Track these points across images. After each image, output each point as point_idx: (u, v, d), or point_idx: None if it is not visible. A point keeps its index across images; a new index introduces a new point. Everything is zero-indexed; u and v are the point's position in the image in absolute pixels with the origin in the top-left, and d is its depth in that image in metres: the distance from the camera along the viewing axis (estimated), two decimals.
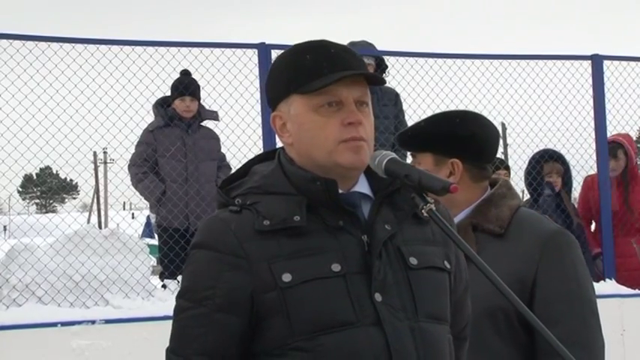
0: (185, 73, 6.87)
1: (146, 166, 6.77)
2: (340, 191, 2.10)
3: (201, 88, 6.92)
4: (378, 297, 2.04)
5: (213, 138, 6.98)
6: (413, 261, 2.11)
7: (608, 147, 7.35)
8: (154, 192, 6.72)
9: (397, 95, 7.23)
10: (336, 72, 2.08)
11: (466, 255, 2.10)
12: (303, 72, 2.10)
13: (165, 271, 6.61)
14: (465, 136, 2.77)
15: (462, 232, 2.67)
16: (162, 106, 6.88)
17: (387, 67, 7.09)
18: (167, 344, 2.13)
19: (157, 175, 6.79)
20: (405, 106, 7.26)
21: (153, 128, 6.81)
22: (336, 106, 2.09)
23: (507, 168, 7.47)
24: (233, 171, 2.26)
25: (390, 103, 7.09)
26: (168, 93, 6.92)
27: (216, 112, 6.92)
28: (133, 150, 6.80)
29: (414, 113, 7.11)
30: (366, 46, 6.96)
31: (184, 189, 6.74)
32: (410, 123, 7.21)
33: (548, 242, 2.76)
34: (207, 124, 7.07)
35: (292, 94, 2.12)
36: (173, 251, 6.52)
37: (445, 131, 2.77)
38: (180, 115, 6.86)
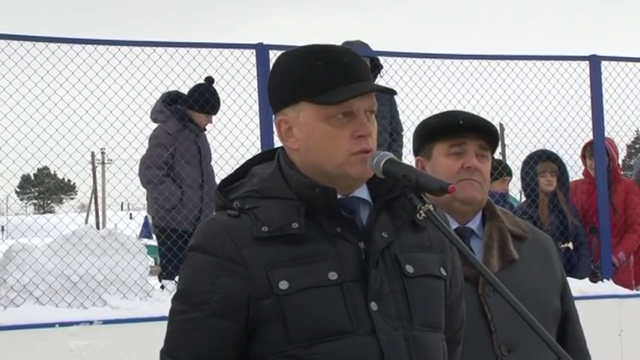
0: (209, 81, 6.79)
1: (161, 168, 6.70)
2: (339, 196, 2.10)
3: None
4: (373, 306, 2.04)
5: (207, 140, 6.99)
6: (409, 269, 2.11)
7: (591, 146, 7.39)
8: (165, 202, 6.68)
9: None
10: (350, 83, 2.07)
11: (468, 258, 2.09)
12: (315, 80, 2.07)
13: (172, 269, 6.57)
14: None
15: (503, 238, 2.68)
16: (171, 104, 6.83)
17: (382, 67, 7.08)
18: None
19: (171, 178, 6.73)
20: (402, 107, 7.26)
21: (172, 131, 6.75)
22: (348, 116, 2.08)
23: (510, 174, 7.49)
24: (232, 171, 2.25)
25: (386, 102, 7.08)
26: (167, 93, 6.87)
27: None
28: (131, 150, 6.75)
29: (412, 114, 7.11)
30: (360, 46, 6.95)
31: (199, 193, 6.72)
32: (408, 123, 7.22)
33: (552, 242, 2.90)
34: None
35: (302, 101, 2.09)
36: (182, 251, 6.48)
37: (496, 130, 2.77)
38: (194, 120, 6.83)
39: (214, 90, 6.84)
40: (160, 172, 6.69)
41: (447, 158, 2.68)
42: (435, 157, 2.70)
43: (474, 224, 2.73)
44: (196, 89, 6.82)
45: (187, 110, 6.82)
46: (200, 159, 6.81)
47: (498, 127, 9.45)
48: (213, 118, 6.94)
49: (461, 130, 2.66)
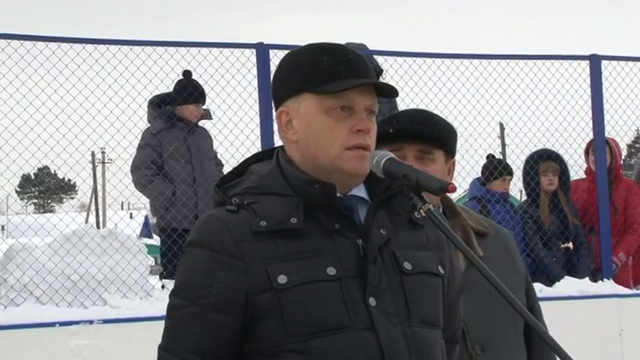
0: (186, 75, 6.83)
1: (150, 169, 6.71)
2: (337, 194, 2.10)
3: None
4: (372, 301, 2.05)
5: (209, 138, 6.98)
6: (407, 266, 2.12)
7: (594, 143, 7.39)
8: (163, 192, 6.67)
9: None
10: (353, 77, 2.09)
11: (466, 256, 2.09)
12: (320, 72, 2.10)
13: (171, 268, 6.57)
14: (456, 136, 2.78)
15: (467, 236, 2.67)
16: (159, 105, 6.84)
17: (382, 70, 7.07)
18: None
19: (162, 178, 6.73)
20: (403, 107, 7.25)
21: (156, 131, 6.75)
22: (348, 111, 2.10)
23: (510, 173, 7.48)
24: (230, 170, 2.26)
25: (384, 99, 7.07)
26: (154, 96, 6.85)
27: (208, 111, 6.92)
28: (131, 150, 6.76)
29: None
30: (363, 49, 6.95)
31: (193, 189, 6.72)
32: None
33: (512, 238, 2.91)
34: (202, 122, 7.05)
35: (305, 92, 2.11)
36: (181, 249, 6.48)
37: (452, 130, 2.75)
38: (184, 117, 6.83)
39: (195, 81, 6.85)
40: (147, 172, 6.69)
41: None
42: None
43: None
44: (178, 85, 6.83)
45: (176, 108, 6.82)
46: (191, 156, 6.80)
47: (498, 127, 9.47)
48: (214, 117, 6.94)
49: (395, 137, 2.66)
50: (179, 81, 6.84)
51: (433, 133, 2.67)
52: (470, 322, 2.60)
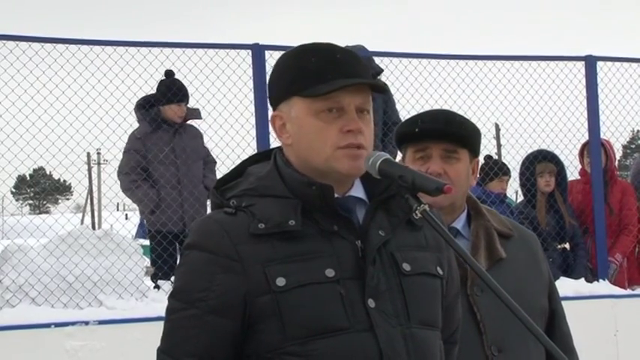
0: (169, 74, 6.79)
1: (135, 174, 6.66)
2: (335, 195, 2.10)
3: (192, 89, 6.86)
4: (371, 303, 2.04)
5: (198, 136, 6.94)
6: (406, 267, 2.11)
7: (589, 145, 7.40)
8: (148, 203, 6.65)
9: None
10: (340, 78, 2.07)
11: (463, 258, 2.08)
12: (306, 75, 2.09)
13: (159, 272, 6.58)
14: (479, 136, 2.78)
15: (490, 238, 2.67)
16: (145, 107, 6.79)
17: (382, 70, 7.07)
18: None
19: (148, 182, 6.69)
20: (399, 107, 7.26)
21: (141, 135, 6.69)
22: (337, 112, 2.09)
23: (507, 173, 7.49)
24: (228, 171, 2.25)
25: (377, 97, 7.06)
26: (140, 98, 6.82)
27: (197, 110, 6.87)
28: None
29: (407, 114, 7.11)
30: (361, 50, 6.95)
31: (178, 191, 6.68)
32: None
33: (537, 240, 2.89)
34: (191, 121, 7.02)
35: (294, 96, 2.11)
36: (167, 252, 6.50)
37: (476, 129, 2.76)
38: (168, 118, 6.80)
39: (179, 80, 6.81)
40: (134, 176, 6.65)
41: (414, 163, 2.70)
42: (406, 162, 2.73)
43: (459, 224, 2.74)
44: (160, 85, 6.78)
45: (160, 109, 6.78)
46: (175, 157, 6.76)
47: (494, 128, 9.49)
48: (210, 118, 6.93)
49: (421, 137, 2.69)
50: (162, 81, 6.79)
51: (458, 133, 2.68)
52: (488, 323, 2.61)
